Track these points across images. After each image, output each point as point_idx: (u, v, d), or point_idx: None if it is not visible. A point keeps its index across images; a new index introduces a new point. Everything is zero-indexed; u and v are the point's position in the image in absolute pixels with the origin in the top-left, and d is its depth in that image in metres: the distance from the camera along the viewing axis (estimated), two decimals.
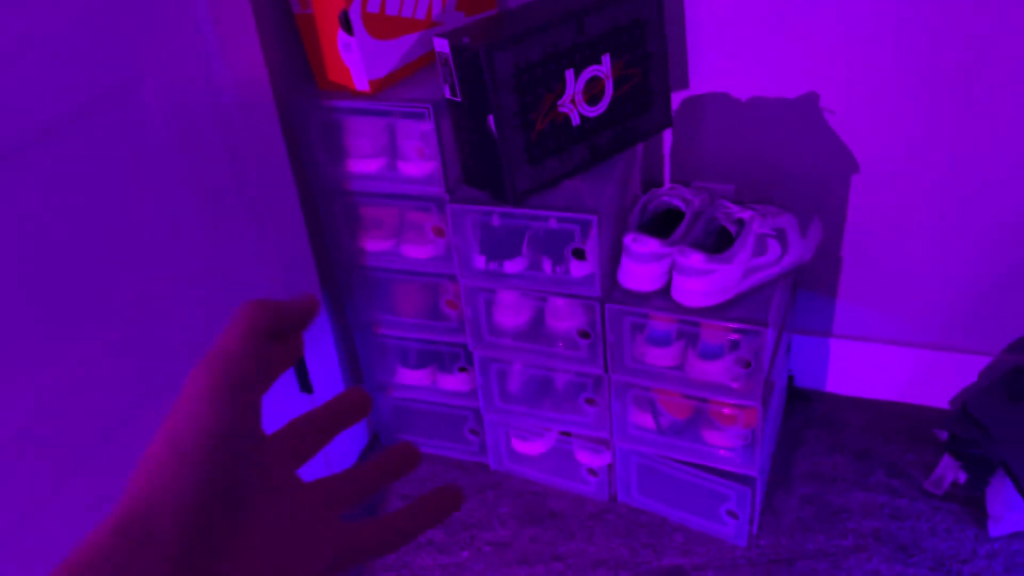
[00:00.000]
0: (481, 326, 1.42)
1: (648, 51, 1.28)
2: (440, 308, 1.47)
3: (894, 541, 1.40)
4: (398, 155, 1.34)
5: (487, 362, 1.47)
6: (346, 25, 1.24)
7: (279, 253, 1.36)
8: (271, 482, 0.34)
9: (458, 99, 1.21)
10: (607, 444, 1.47)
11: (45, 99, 0.93)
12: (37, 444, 0.97)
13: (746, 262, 1.26)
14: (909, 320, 1.56)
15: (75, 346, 1.01)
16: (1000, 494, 1.38)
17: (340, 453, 1.59)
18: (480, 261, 1.36)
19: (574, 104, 1.23)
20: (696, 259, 1.24)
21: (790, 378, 1.68)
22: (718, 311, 1.26)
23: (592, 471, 1.51)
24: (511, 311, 1.42)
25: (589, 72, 1.23)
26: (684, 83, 1.45)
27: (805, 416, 1.64)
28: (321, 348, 1.52)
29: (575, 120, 1.25)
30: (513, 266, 1.34)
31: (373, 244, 1.43)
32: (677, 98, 1.47)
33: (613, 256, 1.33)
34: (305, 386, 1.47)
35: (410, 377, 1.58)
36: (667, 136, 1.52)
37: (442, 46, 1.18)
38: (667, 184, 1.54)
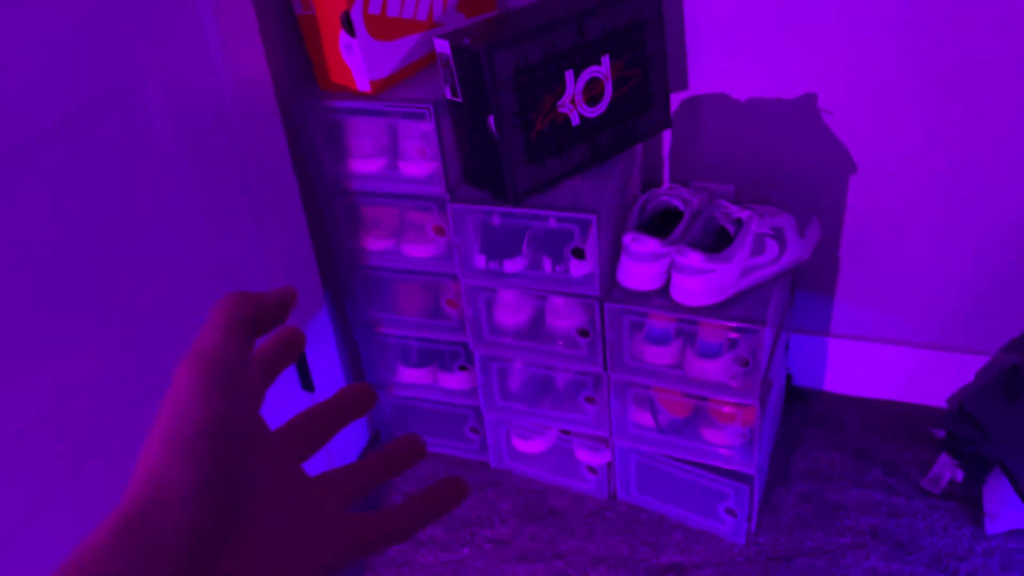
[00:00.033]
0: (482, 325, 1.44)
1: (647, 52, 1.29)
2: (441, 307, 1.48)
3: (891, 539, 1.41)
4: (399, 155, 1.36)
5: (487, 361, 1.48)
6: (348, 26, 1.25)
7: (281, 252, 1.37)
8: (275, 476, 0.34)
9: (459, 99, 1.22)
10: (607, 442, 1.48)
11: (49, 99, 0.94)
12: (39, 443, 0.97)
13: (744, 261, 1.27)
14: (907, 320, 1.57)
15: (77, 346, 1.01)
16: (997, 492, 1.39)
17: (341, 451, 1.60)
18: (480, 260, 1.37)
19: (574, 104, 1.24)
20: (694, 258, 1.25)
21: (788, 377, 1.69)
22: (716, 310, 1.27)
23: (592, 469, 1.52)
24: (511, 310, 1.43)
25: (589, 73, 1.24)
26: (683, 84, 1.46)
27: (803, 415, 1.65)
28: (323, 347, 1.53)
29: (575, 120, 1.26)
30: (513, 265, 1.35)
31: (374, 243, 1.44)
32: (676, 99, 1.48)
33: (612, 255, 1.34)
34: (307, 384, 1.48)
35: (411, 376, 1.59)
36: (667, 136, 1.52)
37: (443, 47, 1.19)
38: (666, 184, 1.55)
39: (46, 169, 0.95)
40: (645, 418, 1.43)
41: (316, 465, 0.37)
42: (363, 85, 1.31)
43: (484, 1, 1.41)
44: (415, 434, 0.40)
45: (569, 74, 1.22)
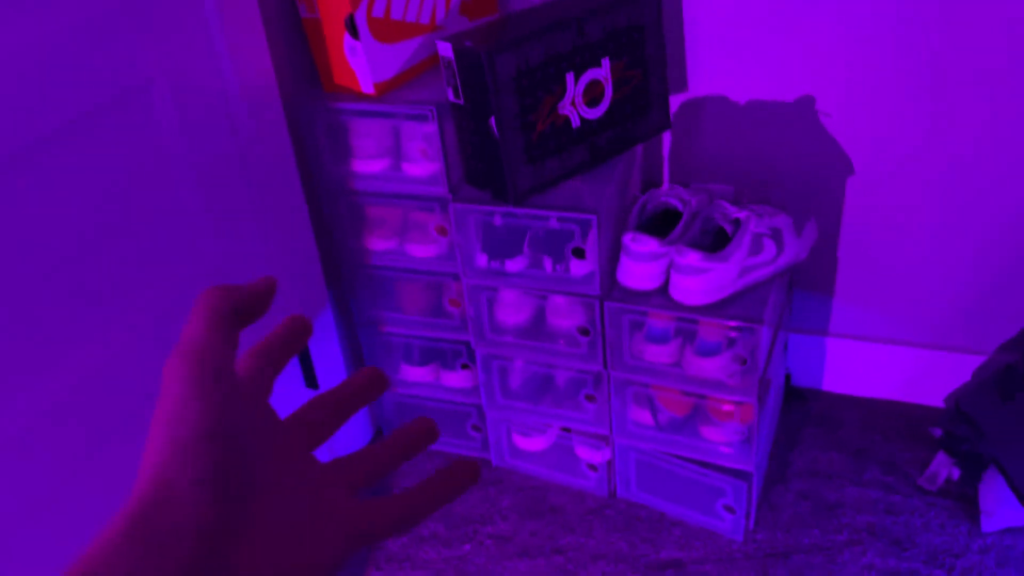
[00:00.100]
0: (483, 324, 1.45)
1: (647, 54, 1.31)
2: (443, 306, 1.50)
3: (888, 536, 1.42)
4: (402, 156, 1.37)
5: (489, 359, 1.50)
6: (352, 29, 1.27)
7: (285, 252, 1.39)
8: (283, 466, 0.34)
9: (460, 101, 1.24)
10: (607, 440, 1.50)
11: (56, 100, 0.95)
12: (43, 445, 0.98)
13: (742, 261, 1.29)
14: (905, 320, 1.59)
15: (81, 346, 1.02)
16: (992, 490, 1.40)
17: (344, 450, 1.62)
18: (482, 260, 1.38)
19: (574, 106, 1.26)
20: (693, 258, 1.27)
21: (787, 377, 1.70)
22: (715, 309, 1.29)
23: (592, 466, 1.54)
24: (512, 309, 1.44)
25: (589, 75, 1.26)
26: (683, 86, 1.48)
27: (802, 414, 1.66)
28: (326, 345, 1.55)
29: (575, 122, 1.27)
30: (514, 265, 1.37)
31: (378, 243, 1.46)
32: (676, 101, 1.50)
33: (612, 255, 1.36)
34: (311, 382, 1.50)
35: (413, 374, 1.61)
36: (666, 137, 1.54)
37: (445, 50, 1.21)
38: (666, 185, 1.57)
39: (53, 169, 0.96)
40: (645, 416, 1.44)
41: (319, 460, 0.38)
42: (367, 87, 1.33)
43: (486, 4, 1.43)
44: (426, 417, 0.40)
45: (569, 76, 1.24)
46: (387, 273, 1.49)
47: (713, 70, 1.45)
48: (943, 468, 1.48)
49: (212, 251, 1.23)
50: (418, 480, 0.37)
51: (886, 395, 1.67)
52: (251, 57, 1.26)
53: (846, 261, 1.56)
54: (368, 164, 1.38)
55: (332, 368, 1.57)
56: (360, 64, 1.31)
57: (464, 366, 1.56)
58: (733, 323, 1.28)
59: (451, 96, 1.25)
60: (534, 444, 1.58)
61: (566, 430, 1.54)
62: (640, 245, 1.30)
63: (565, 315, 1.42)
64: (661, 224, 1.40)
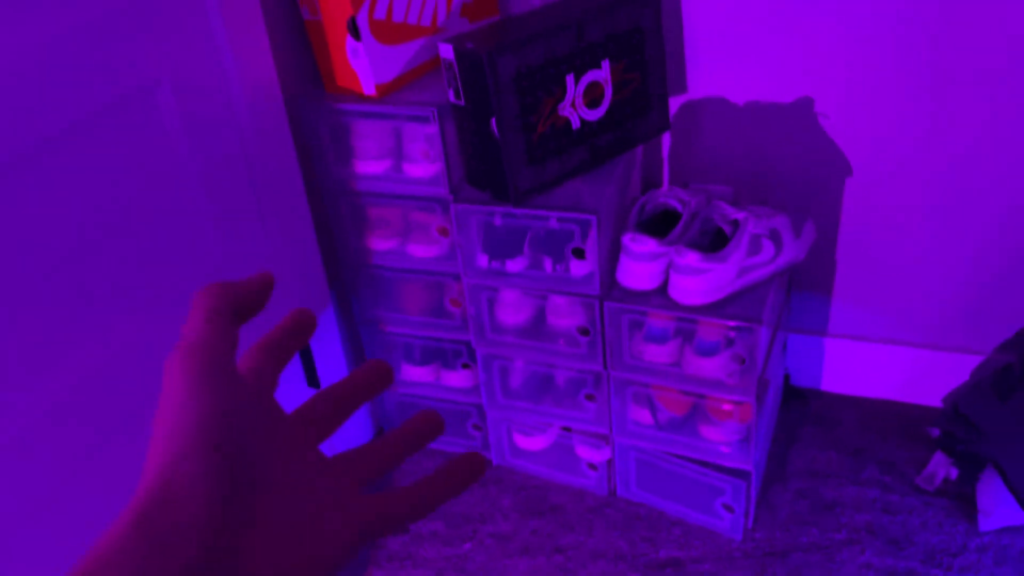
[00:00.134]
0: (484, 324, 1.46)
1: (646, 56, 1.32)
2: (444, 306, 1.51)
3: (886, 535, 1.43)
4: (404, 157, 1.38)
5: (490, 359, 1.51)
6: (354, 31, 1.29)
7: (288, 252, 1.40)
8: (289, 460, 0.34)
9: (462, 103, 1.25)
10: (607, 439, 1.51)
11: (62, 102, 0.96)
12: (44, 445, 0.98)
13: (741, 261, 1.30)
14: (904, 320, 1.60)
15: (85, 347, 1.03)
16: (990, 490, 1.41)
17: (344, 449, 1.63)
18: (483, 260, 1.39)
19: (574, 108, 1.27)
20: (692, 258, 1.28)
21: (786, 377, 1.71)
22: (714, 309, 1.30)
23: (592, 466, 1.55)
24: (513, 309, 1.45)
25: (589, 77, 1.27)
26: (682, 88, 1.49)
27: (801, 414, 1.67)
28: (328, 344, 1.56)
29: (575, 123, 1.28)
30: (515, 265, 1.38)
31: (379, 243, 1.47)
32: (676, 102, 1.51)
33: (612, 255, 1.37)
34: (312, 381, 1.51)
35: (415, 373, 1.62)
36: (666, 139, 1.55)
37: (447, 51, 1.22)
38: (665, 185, 1.58)
39: (58, 170, 0.97)
40: (644, 415, 1.45)
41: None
42: (369, 89, 1.34)
43: (487, 6, 1.44)
44: (432, 410, 0.40)
45: (570, 78, 1.25)
46: (388, 273, 1.50)
47: (712, 72, 1.46)
48: (941, 468, 1.49)
49: (215, 251, 1.24)
50: (416, 480, 0.37)
51: (884, 395, 1.68)
52: (254, 59, 1.27)
53: (845, 261, 1.57)
54: (370, 165, 1.40)
55: (333, 367, 1.58)
56: (362, 66, 1.32)
57: (465, 366, 1.57)
58: (732, 323, 1.29)
59: (452, 97, 1.26)
60: (534, 443, 1.59)
61: (566, 429, 1.55)
62: (639, 245, 1.31)
63: (565, 315, 1.43)
64: (660, 224, 1.41)
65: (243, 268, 1.31)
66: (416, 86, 1.37)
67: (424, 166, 1.37)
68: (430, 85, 1.36)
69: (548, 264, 1.37)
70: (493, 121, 1.21)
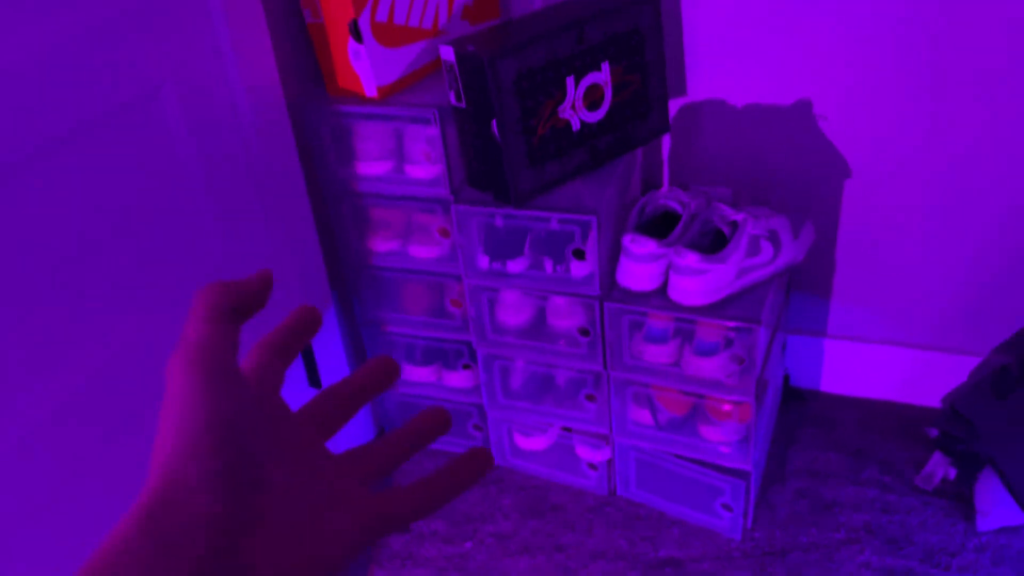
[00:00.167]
0: (485, 324, 1.47)
1: (646, 59, 1.33)
2: (445, 307, 1.52)
3: (885, 534, 1.44)
4: (405, 158, 1.39)
5: (490, 359, 1.51)
6: (356, 34, 1.29)
7: (290, 253, 1.41)
8: (295, 457, 0.34)
9: (463, 105, 1.26)
10: (607, 439, 1.52)
11: (66, 106, 0.96)
12: (45, 446, 0.98)
13: (740, 262, 1.31)
14: (903, 321, 1.60)
15: (87, 347, 1.03)
16: (988, 490, 1.42)
17: (346, 448, 1.64)
18: (484, 261, 1.40)
19: (574, 110, 1.28)
20: (692, 259, 1.28)
21: (786, 377, 1.72)
22: (713, 309, 1.31)
23: (592, 466, 1.55)
24: (513, 310, 1.46)
25: (589, 79, 1.28)
26: (682, 90, 1.50)
27: (800, 414, 1.68)
28: (330, 344, 1.57)
29: (575, 125, 1.29)
30: (515, 266, 1.39)
31: (381, 244, 1.48)
32: (675, 104, 1.51)
33: (612, 256, 1.38)
34: (314, 381, 1.52)
35: (416, 374, 1.62)
36: (666, 140, 1.56)
37: (448, 54, 1.23)
38: (665, 187, 1.58)
39: (63, 172, 0.97)
40: (644, 416, 1.46)
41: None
42: (370, 91, 1.35)
43: (488, 9, 1.45)
44: (439, 407, 0.40)
45: (570, 80, 1.26)
46: (390, 274, 1.51)
47: (712, 73, 1.47)
48: (939, 468, 1.50)
49: (217, 252, 1.25)
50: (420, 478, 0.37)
51: (883, 395, 1.69)
52: (257, 62, 1.28)
53: (844, 262, 1.58)
54: (371, 166, 1.40)
55: (335, 368, 1.58)
56: (364, 68, 1.33)
57: (466, 366, 1.58)
58: (731, 323, 1.29)
59: (453, 99, 1.27)
60: (535, 443, 1.60)
61: (567, 429, 1.55)
62: (639, 246, 1.32)
63: (565, 316, 1.44)
64: (660, 226, 1.41)
65: (245, 269, 1.31)
66: (417, 88, 1.38)
67: (425, 167, 1.37)
68: (431, 87, 1.37)
69: (548, 265, 1.38)
70: (494, 123, 1.22)
